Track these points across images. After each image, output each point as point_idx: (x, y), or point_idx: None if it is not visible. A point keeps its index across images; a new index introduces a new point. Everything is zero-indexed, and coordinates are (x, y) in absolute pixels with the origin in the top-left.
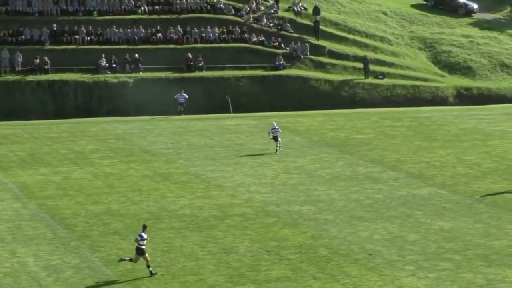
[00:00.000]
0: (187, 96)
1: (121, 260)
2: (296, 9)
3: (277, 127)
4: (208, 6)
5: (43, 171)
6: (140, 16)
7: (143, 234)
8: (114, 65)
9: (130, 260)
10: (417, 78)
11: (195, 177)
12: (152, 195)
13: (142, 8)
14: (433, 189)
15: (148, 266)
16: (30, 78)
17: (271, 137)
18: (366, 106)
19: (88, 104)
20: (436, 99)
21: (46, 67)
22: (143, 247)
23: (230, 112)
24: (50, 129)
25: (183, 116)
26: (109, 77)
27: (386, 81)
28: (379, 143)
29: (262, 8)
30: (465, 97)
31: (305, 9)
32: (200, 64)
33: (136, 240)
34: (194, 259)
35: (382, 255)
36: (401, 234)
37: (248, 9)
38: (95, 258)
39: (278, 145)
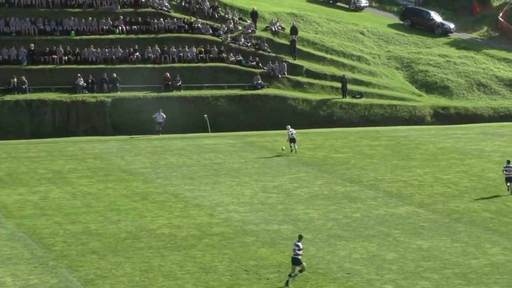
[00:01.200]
0: (165, 116)
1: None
2: (273, 28)
3: (292, 130)
4: (186, 26)
5: (21, 190)
6: (118, 36)
7: (299, 244)
8: (91, 85)
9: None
10: (394, 98)
11: (173, 197)
12: (130, 215)
13: (120, 27)
14: (411, 208)
15: (290, 276)
16: (8, 97)
17: (288, 139)
18: (343, 125)
19: (66, 124)
20: (414, 119)
21: (23, 86)
22: (299, 257)
23: (208, 131)
24: (28, 149)
25: (161, 136)
26: (87, 96)
27: (363, 101)
28: (357, 162)
29: (240, 27)
30: (442, 116)
31: (283, 28)
32: (178, 84)
33: (294, 250)
34: (173, 278)
35: (360, 274)
36: (379, 253)
37: (226, 28)
38: (73, 277)
39: (295, 147)
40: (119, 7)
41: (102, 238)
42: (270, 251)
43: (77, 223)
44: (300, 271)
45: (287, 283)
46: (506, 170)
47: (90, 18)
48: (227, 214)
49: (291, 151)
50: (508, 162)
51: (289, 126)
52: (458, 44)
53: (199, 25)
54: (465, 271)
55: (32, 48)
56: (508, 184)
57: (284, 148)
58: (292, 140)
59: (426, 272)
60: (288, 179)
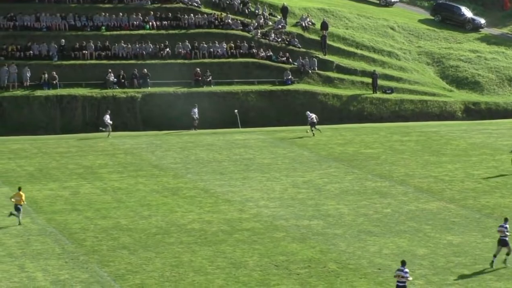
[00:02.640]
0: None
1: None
2: (303, 24)
3: (312, 114)
4: (216, 22)
5: (51, 186)
6: (148, 31)
7: (506, 225)
8: (122, 80)
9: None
10: (425, 93)
11: (203, 192)
12: (160, 210)
13: (150, 23)
14: (442, 203)
15: (508, 254)
16: (38, 93)
17: (308, 123)
18: (374, 120)
19: (97, 119)
20: (444, 114)
21: (54, 82)
22: (506, 238)
23: (238, 127)
24: (59, 144)
25: (192, 131)
26: (117, 92)
27: (394, 96)
28: (388, 158)
29: (270, 23)
30: (473, 112)
31: (313, 24)
32: (209, 79)
33: (502, 232)
34: (203, 273)
35: (391, 270)
36: (410, 248)
37: (256, 24)
38: (104, 273)
39: (313, 130)
40: (149, 3)
41: (133, 233)
42: (300, 247)
43: (108, 218)
44: (508, 253)
45: (491, 264)
46: None
47: (121, 14)
48: (257, 210)
49: (313, 135)
50: None
51: (309, 112)
52: (488, 40)
53: (229, 20)
54: (496, 266)
55: (63, 44)
56: None
57: (308, 131)
58: (312, 124)
59: (457, 267)
60: (318, 174)
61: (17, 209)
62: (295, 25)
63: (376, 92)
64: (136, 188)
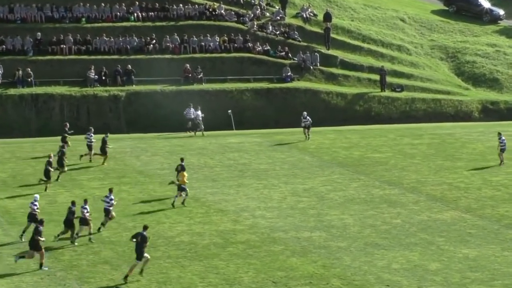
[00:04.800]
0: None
1: None
2: (304, 15)
3: (307, 117)
4: (208, 12)
5: (26, 194)
6: (133, 24)
7: None
8: (104, 77)
9: None
10: (438, 91)
11: (194, 201)
12: (146, 221)
13: (135, 14)
14: (457, 213)
15: None
16: (12, 91)
17: (302, 125)
18: (382, 122)
19: (76, 120)
20: (460, 114)
21: (29, 79)
22: None
23: (232, 129)
24: (34, 148)
25: (181, 134)
26: (99, 90)
27: (404, 95)
28: (397, 163)
29: (267, 14)
30: (491, 112)
31: (315, 15)
32: (200, 76)
33: None
34: None
35: (401, 286)
36: (421, 263)
37: (252, 15)
38: None
39: (308, 133)
40: None
41: (116, 247)
42: (300, 261)
43: None
44: None
45: None
46: None
47: (103, 4)
48: (253, 220)
49: (307, 138)
50: None
51: (305, 113)
52: (508, 32)
53: (223, 11)
54: None
55: (39, 37)
56: None
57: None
58: (307, 126)
59: (473, 284)
60: (321, 181)
61: None
62: (295, 16)
63: (384, 90)
64: (119, 197)
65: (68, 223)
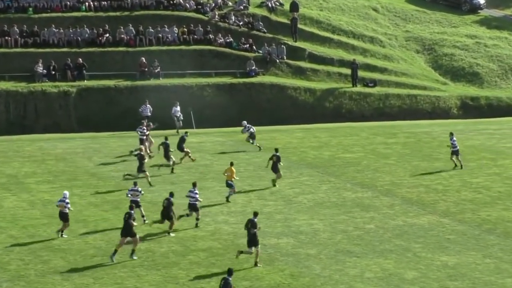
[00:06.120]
0: (151, 108)
1: None
2: (270, 4)
3: (248, 126)
4: (165, 2)
5: None
6: (84, 14)
7: None
8: (53, 72)
9: None
10: (414, 86)
11: (151, 205)
12: (99, 227)
13: (87, 4)
14: (435, 217)
15: None
16: None
17: (246, 132)
18: (354, 119)
19: (23, 119)
20: (437, 111)
21: None
22: None
23: (192, 127)
24: None
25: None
26: (48, 86)
27: (377, 90)
28: (370, 164)
29: (230, 3)
30: (471, 109)
31: (281, 4)
32: (157, 70)
33: None
34: None
35: None
36: (397, 271)
37: (213, 4)
38: None
39: (254, 142)
40: None
41: (67, 255)
42: (266, 270)
43: (36, 237)
44: None
45: None
46: None
47: None
48: (215, 226)
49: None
50: None
51: (245, 122)
52: (489, 23)
53: (181, 0)
54: None
55: None
56: None
57: (252, 142)
58: (251, 135)
59: None
60: (288, 183)
61: None
62: (260, 5)
63: (356, 86)
64: (70, 201)
65: (165, 214)
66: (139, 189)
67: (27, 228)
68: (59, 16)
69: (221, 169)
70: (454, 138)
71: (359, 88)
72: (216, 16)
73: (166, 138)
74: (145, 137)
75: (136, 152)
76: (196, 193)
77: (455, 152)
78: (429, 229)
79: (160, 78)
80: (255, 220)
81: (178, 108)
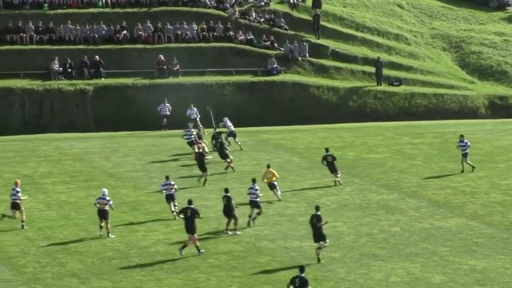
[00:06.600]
0: (170, 107)
1: None
2: (291, 1)
3: (228, 122)
4: None
5: None
6: (101, 10)
7: None
8: (69, 70)
9: None
10: (440, 85)
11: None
12: (118, 229)
13: (103, 0)
14: (462, 220)
15: None
16: None
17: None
18: (379, 119)
19: (38, 118)
20: (464, 111)
21: None
22: None
23: (212, 127)
24: None
25: (155, 133)
26: (64, 84)
27: (403, 89)
28: (396, 164)
29: (251, 0)
30: (499, 108)
31: (303, 1)
32: (175, 68)
33: None
34: None
35: None
36: (423, 275)
37: (233, 0)
38: None
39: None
40: None
41: (84, 258)
42: (289, 274)
43: (53, 239)
44: None
45: None
46: None
47: None
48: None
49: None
50: None
51: (227, 118)
52: None
53: None
54: None
55: None
56: None
57: (230, 143)
58: (233, 134)
59: None
60: (311, 184)
61: None
62: (281, 1)
63: (380, 84)
64: (87, 202)
65: (228, 212)
66: (172, 182)
67: (43, 230)
68: (75, 12)
69: (241, 169)
70: (466, 141)
71: (383, 87)
72: (237, 13)
73: (218, 137)
74: (193, 137)
75: (196, 155)
76: (257, 189)
77: (464, 155)
78: (456, 232)
79: (179, 76)
80: (319, 213)
81: (195, 110)
